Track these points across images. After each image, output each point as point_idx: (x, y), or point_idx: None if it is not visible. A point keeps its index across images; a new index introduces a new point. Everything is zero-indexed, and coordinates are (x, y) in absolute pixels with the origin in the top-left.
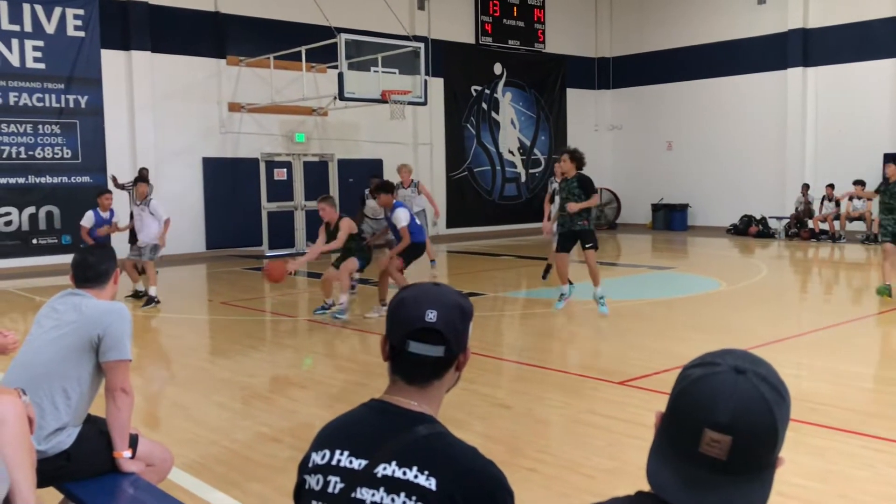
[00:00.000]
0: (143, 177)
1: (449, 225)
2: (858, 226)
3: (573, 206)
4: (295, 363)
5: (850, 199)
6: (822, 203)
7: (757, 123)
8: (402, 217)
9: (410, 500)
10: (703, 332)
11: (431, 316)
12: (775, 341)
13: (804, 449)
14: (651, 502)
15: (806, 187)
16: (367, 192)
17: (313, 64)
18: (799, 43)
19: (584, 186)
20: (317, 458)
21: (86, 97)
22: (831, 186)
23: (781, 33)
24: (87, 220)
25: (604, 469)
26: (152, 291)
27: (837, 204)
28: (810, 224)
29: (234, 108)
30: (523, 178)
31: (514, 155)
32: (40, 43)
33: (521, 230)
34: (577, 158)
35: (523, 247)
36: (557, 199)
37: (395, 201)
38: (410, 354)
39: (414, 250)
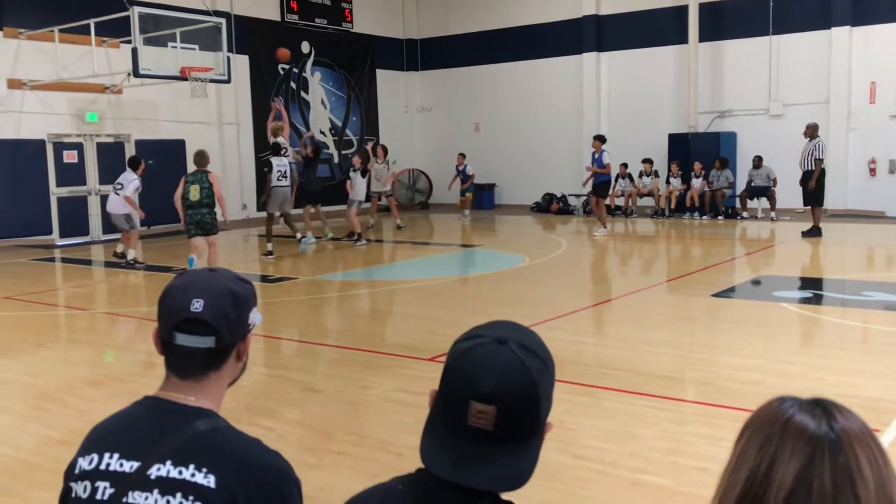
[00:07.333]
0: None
1: (259, 207)
2: (648, 201)
3: None
4: (90, 360)
5: (640, 175)
6: (616, 181)
7: (556, 105)
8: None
9: (187, 500)
10: (508, 307)
11: (197, 305)
12: (574, 311)
13: (597, 412)
14: (427, 479)
15: None
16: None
17: (104, 38)
18: (593, 29)
19: None
20: (84, 463)
21: None
22: (625, 165)
23: (577, 19)
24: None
25: (412, 446)
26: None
27: (631, 179)
28: (606, 200)
29: (14, 84)
30: (336, 159)
31: (325, 136)
32: None
33: (335, 212)
34: None
35: (336, 228)
36: None
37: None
38: (179, 347)
39: None
